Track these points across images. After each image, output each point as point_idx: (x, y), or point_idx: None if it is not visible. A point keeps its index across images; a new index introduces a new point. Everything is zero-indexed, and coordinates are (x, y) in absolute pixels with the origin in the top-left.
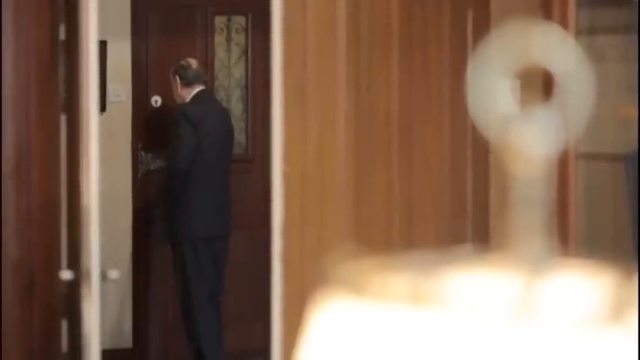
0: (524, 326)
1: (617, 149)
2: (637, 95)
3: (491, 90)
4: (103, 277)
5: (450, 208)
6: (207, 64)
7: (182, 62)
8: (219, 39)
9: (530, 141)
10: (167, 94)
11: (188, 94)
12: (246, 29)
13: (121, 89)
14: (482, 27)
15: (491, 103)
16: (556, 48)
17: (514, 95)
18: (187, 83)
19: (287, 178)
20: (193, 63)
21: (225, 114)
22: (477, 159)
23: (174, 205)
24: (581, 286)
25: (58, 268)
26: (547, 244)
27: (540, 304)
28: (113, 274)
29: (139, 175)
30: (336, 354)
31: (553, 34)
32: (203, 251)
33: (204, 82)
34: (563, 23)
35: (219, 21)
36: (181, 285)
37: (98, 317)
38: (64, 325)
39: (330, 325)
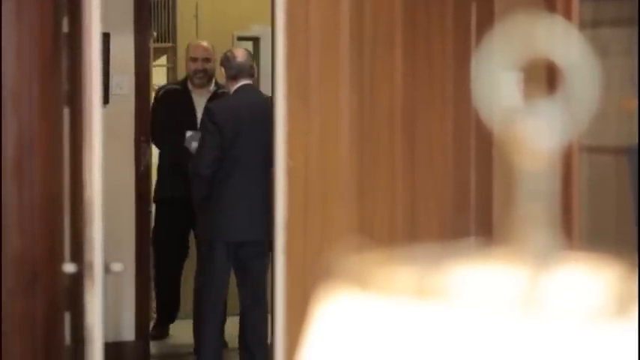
0: (530, 320)
1: (621, 142)
2: (637, 88)
3: (497, 83)
4: (106, 270)
5: (453, 201)
6: None
7: (227, 53)
8: None
9: (536, 134)
10: None
11: (233, 86)
12: None
13: (124, 82)
14: (486, 19)
15: (497, 95)
16: (562, 40)
17: (518, 88)
18: (231, 76)
19: (290, 171)
20: (239, 55)
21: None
22: (480, 152)
23: (203, 206)
24: (587, 280)
25: (61, 261)
26: (553, 237)
27: (546, 298)
28: (116, 267)
29: (142, 168)
30: (341, 348)
31: (559, 27)
32: (222, 256)
33: (251, 76)
34: (567, 15)
35: None
36: (197, 284)
37: (101, 310)
38: (67, 318)
39: (334, 319)
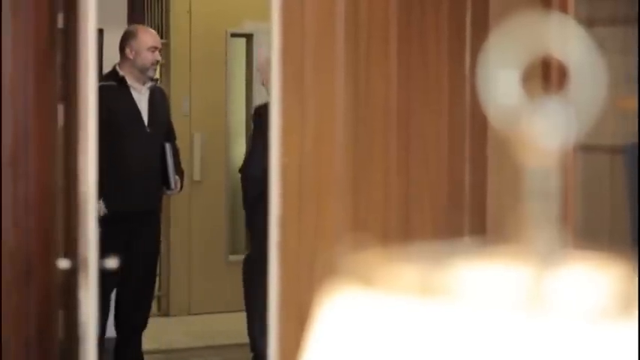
0: (535, 318)
1: (616, 141)
2: (637, 87)
3: (500, 81)
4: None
5: (447, 198)
6: None
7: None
8: None
9: (539, 132)
10: None
11: None
12: None
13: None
14: (481, 17)
15: (500, 94)
16: (568, 38)
17: (521, 86)
18: None
19: (285, 167)
20: None
21: None
22: (475, 149)
23: (257, 203)
24: (592, 279)
25: (56, 256)
26: (555, 235)
27: (550, 296)
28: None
29: None
30: (346, 346)
31: (564, 25)
32: None
33: None
34: (563, 13)
35: None
36: (249, 273)
37: (95, 306)
38: (61, 313)
39: (339, 317)
